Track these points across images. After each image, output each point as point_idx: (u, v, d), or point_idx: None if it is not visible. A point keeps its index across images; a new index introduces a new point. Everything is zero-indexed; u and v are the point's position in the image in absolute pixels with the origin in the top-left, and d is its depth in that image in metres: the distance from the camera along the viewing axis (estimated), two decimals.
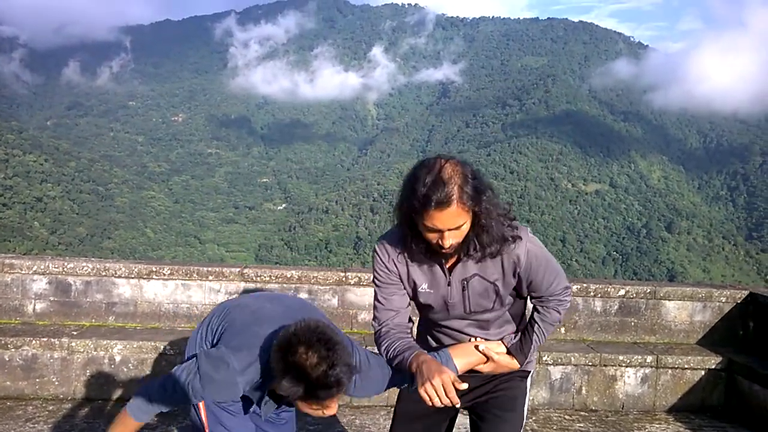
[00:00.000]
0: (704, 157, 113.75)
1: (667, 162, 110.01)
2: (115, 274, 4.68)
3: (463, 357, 2.23)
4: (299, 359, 1.86)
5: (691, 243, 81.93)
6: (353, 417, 4.23)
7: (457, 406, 2.09)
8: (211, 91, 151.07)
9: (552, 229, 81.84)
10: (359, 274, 4.87)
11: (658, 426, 4.39)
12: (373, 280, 2.32)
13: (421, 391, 2.02)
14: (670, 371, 4.70)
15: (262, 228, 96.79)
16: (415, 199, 1.99)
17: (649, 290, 5.04)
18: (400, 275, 2.26)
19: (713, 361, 4.71)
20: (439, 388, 2.00)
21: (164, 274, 4.71)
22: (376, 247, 2.31)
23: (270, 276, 4.73)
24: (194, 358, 2.08)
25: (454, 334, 2.35)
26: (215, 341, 2.20)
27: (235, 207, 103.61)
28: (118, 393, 4.30)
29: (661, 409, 4.68)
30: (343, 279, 4.83)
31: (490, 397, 2.40)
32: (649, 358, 4.68)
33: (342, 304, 4.86)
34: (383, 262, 2.27)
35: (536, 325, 2.33)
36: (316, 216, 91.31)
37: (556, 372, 4.62)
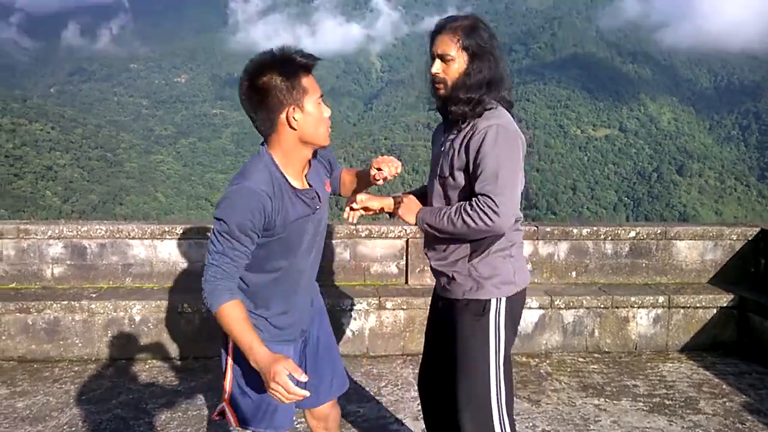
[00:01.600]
0: (715, 96, 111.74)
1: (677, 103, 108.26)
2: (129, 235, 4.73)
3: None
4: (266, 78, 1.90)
5: (702, 185, 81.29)
6: (370, 367, 4.32)
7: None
8: (212, 50, 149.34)
9: (562, 177, 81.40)
10: (370, 227, 4.89)
11: (671, 365, 4.46)
12: None
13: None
14: (682, 311, 4.74)
15: None
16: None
17: (659, 231, 5.04)
18: None
19: (725, 299, 4.74)
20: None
21: (177, 234, 4.75)
22: None
23: None
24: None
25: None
26: None
27: None
28: (140, 352, 4.41)
29: (674, 349, 4.74)
30: (354, 232, 4.86)
31: (444, 348, 2.34)
32: (661, 299, 4.71)
33: (354, 256, 4.90)
34: None
35: (453, 208, 2.18)
36: None
37: (569, 315, 4.67)
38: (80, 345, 4.40)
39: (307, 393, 1.78)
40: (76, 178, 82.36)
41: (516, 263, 2.32)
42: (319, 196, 2.07)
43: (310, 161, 2.08)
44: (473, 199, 2.14)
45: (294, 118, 1.90)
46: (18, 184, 73.45)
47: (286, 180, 1.97)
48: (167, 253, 4.79)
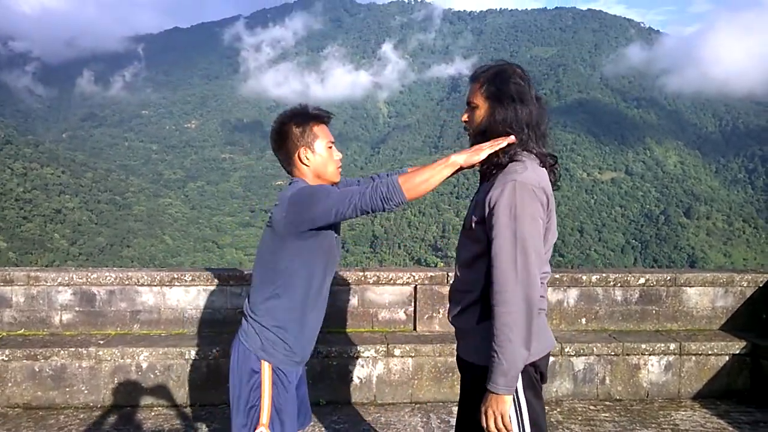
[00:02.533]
0: (720, 140, 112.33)
1: (683, 147, 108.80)
2: (138, 282, 4.75)
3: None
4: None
5: (710, 228, 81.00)
6: (378, 415, 4.27)
7: None
8: (222, 97, 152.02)
9: (569, 220, 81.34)
10: (378, 273, 4.90)
11: (684, 413, 4.38)
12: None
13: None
14: (693, 358, 4.68)
15: None
16: None
17: (669, 278, 5.02)
18: None
19: (737, 346, 4.69)
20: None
21: (186, 281, 4.77)
22: None
23: None
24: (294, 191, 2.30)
25: None
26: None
27: (251, 211, 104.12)
28: (146, 399, 4.37)
29: (687, 396, 4.66)
30: (362, 278, 4.86)
31: (468, 413, 2.24)
32: (672, 346, 4.66)
33: (362, 303, 4.89)
34: None
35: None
36: None
37: (579, 363, 4.62)
38: (86, 392, 4.37)
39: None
40: (85, 221, 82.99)
41: (539, 324, 2.18)
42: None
43: None
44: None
45: (306, 157, 2.34)
46: (27, 227, 74.02)
47: None
48: (176, 300, 4.79)
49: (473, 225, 2.20)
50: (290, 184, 2.36)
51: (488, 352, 2.06)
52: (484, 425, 2.06)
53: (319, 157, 2.35)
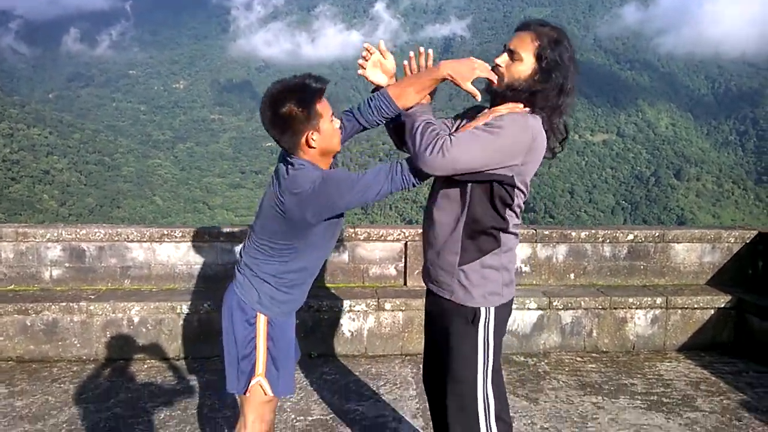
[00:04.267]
0: (713, 102, 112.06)
1: (675, 109, 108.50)
2: (128, 238, 4.74)
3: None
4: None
5: (700, 189, 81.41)
6: (369, 366, 4.33)
7: None
8: (211, 57, 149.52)
9: (560, 181, 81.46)
10: (369, 230, 4.91)
11: (669, 364, 4.47)
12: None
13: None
14: (679, 311, 4.75)
15: None
16: None
17: (657, 234, 5.06)
18: None
19: (723, 300, 4.76)
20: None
21: (176, 237, 4.76)
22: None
23: None
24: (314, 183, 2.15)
25: None
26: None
27: (241, 172, 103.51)
28: (138, 352, 4.41)
29: (672, 348, 4.75)
30: (354, 235, 4.87)
31: (437, 350, 2.37)
32: (659, 300, 4.73)
33: (353, 259, 4.91)
34: None
35: (424, 125, 2.14)
36: None
37: (567, 316, 4.68)
38: (78, 345, 4.40)
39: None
40: (74, 182, 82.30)
41: (507, 277, 2.28)
42: None
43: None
44: (443, 135, 2.08)
45: (312, 139, 2.15)
46: (15, 188, 73.36)
47: None
48: (166, 255, 4.80)
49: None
50: (294, 167, 2.16)
51: (471, 294, 2.23)
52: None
53: (325, 135, 2.17)
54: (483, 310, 2.21)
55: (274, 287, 2.28)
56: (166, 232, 4.78)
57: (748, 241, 5.08)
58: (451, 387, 2.27)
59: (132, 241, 4.75)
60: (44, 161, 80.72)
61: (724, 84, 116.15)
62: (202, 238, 4.79)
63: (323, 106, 2.16)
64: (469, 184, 2.17)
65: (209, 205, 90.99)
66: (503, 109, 2.17)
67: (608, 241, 5.03)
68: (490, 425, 2.24)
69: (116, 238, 4.73)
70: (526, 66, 2.14)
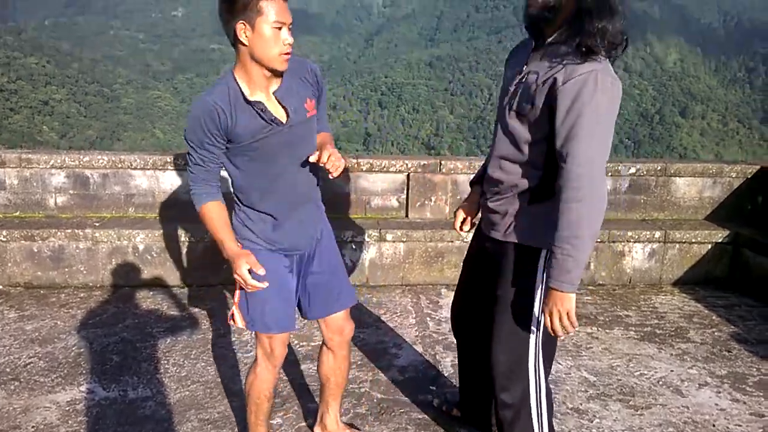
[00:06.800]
0: (723, 37, 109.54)
1: (684, 43, 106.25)
2: (131, 166, 4.75)
3: None
4: None
5: (704, 128, 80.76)
6: (370, 296, 4.42)
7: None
8: None
9: None
10: (371, 161, 4.91)
11: (663, 297, 4.56)
12: None
13: None
14: (677, 246, 4.81)
15: None
16: None
17: (659, 167, 5.06)
18: None
19: (720, 234, 4.81)
20: None
21: (179, 165, 4.77)
22: None
23: None
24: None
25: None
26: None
27: None
28: (144, 279, 4.50)
29: (667, 282, 4.84)
30: (356, 165, 4.88)
31: (487, 285, 2.30)
32: (657, 234, 4.78)
33: (355, 190, 4.93)
34: None
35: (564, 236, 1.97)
36: None
37: None
38: (85, 272, 4.49)
39: (262, 285, 2.12)
40: (73, 114, 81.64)
41: None
42: (287, 111, 2.13)
43: (282, 79, 2.13)
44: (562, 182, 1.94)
45: (244, 34, 1.99)
46: (14, 119, 72.86)
47: (241, 92, 2.07)
48: (169, 183, 4.82)
49: (531, 109, 2.01)
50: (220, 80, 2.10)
51: (535, 235, 2.11)
52: (548, 324, 2.01)
53: (259, 39, 1.97)
54: (543, 252, 2.13)
55: (239, 209, 2.25)
56: (169, 160, 4.78)
57: (749, 176, 5.09)
58: (502, 318, 2.19)
59: (135, 168, 4.76)
60: (43, 91, 79.78)
61: (737, 17, 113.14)
62: None
63: (273, 5, 1.96)
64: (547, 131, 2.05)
65: None
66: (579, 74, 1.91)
67: (610, 174, 5.03)
68: (538, 364, 2.19)
69: (120, 166, 4.74)
70: None
